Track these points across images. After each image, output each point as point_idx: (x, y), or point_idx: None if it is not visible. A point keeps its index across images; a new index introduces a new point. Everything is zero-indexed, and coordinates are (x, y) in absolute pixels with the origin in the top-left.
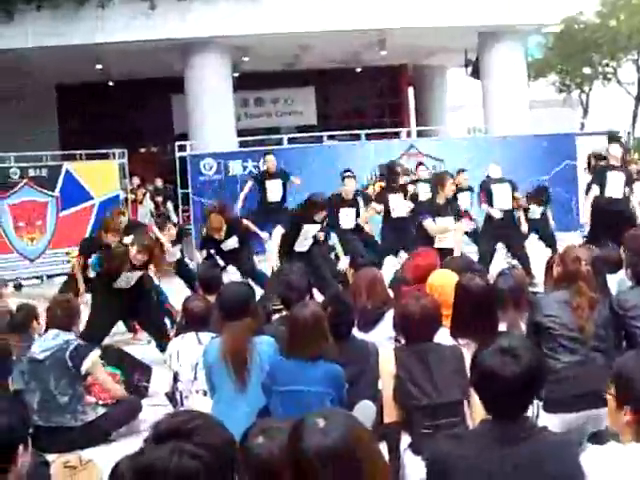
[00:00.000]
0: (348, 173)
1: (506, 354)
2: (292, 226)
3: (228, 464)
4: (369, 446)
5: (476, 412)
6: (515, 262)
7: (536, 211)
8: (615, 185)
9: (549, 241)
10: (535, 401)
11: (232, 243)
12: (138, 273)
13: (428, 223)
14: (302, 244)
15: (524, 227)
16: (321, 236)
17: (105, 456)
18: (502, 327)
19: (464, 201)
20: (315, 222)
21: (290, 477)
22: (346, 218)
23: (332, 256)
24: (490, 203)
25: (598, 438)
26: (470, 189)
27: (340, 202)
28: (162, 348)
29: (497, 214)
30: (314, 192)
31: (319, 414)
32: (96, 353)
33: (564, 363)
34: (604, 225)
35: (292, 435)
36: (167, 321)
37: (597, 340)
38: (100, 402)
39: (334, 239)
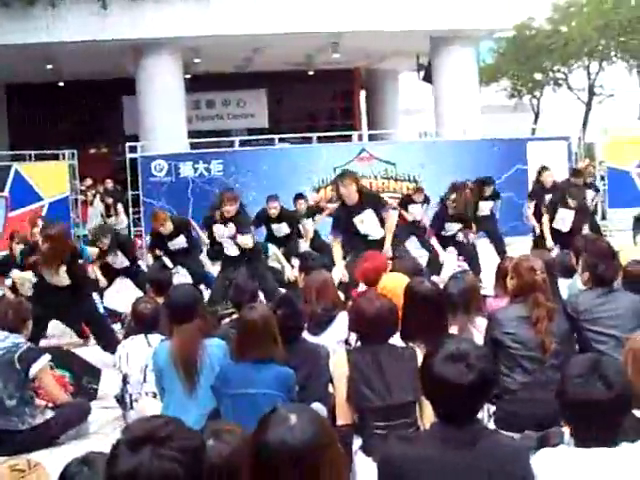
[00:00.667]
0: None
1: (459, 361)
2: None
3: (201, 468)
4: (334, 446)
5: (427, 414)
6: (466, 266)
7: (485, 208)
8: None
9: (499, 246)
10: (486, 405)
11: (179, 242)
12: (63, 269)
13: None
14: (228, 248)
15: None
16: (246, 244)
17: (54, 459)
18: (453, 330)
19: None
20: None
21: (248, 473)
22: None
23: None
24: None
25: (546, 441)
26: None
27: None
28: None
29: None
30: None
31: (290, 409)
32: (46, 358)
33: (520, 384)
34: (554, 231)
35: (259, 429)
36: None
37: (556, 357)
38: (50, 405)
39: (272, 250)
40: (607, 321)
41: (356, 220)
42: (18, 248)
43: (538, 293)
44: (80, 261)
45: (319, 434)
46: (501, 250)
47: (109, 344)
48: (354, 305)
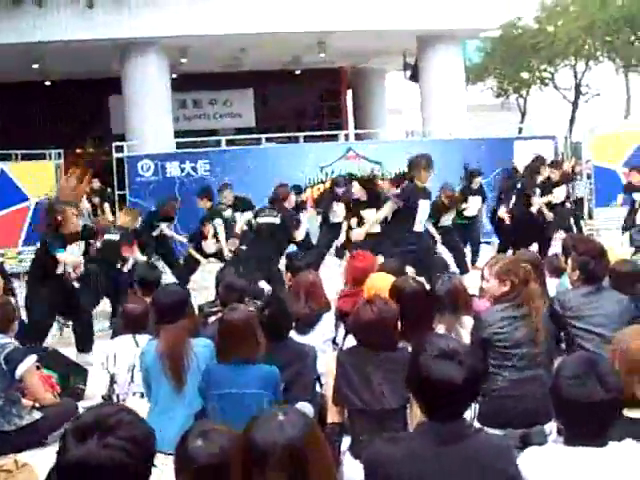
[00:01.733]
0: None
1: (451, 359)
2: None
3: (150, 456)
4: (323, 446)
5: (415, 417)
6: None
7: (474, 205)
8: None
9: (475, 246)
10: (473, 404)
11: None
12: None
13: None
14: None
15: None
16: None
17: (41, 459)
18: (440, 330)
19: None
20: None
21: (238, 473)
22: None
23: None
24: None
25: (529, 440)
26: None
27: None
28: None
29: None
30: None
31: (279, 409)
32: (32, 359)
33: (510, 381)
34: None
35: (249, 429)
36: None
37: (544, 355)
38: (37, 405)
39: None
40: (593, 319)
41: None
42: None
43: (526, 291)
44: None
45: (308, 434)
46: (477, 250)
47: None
48: (342, 312)
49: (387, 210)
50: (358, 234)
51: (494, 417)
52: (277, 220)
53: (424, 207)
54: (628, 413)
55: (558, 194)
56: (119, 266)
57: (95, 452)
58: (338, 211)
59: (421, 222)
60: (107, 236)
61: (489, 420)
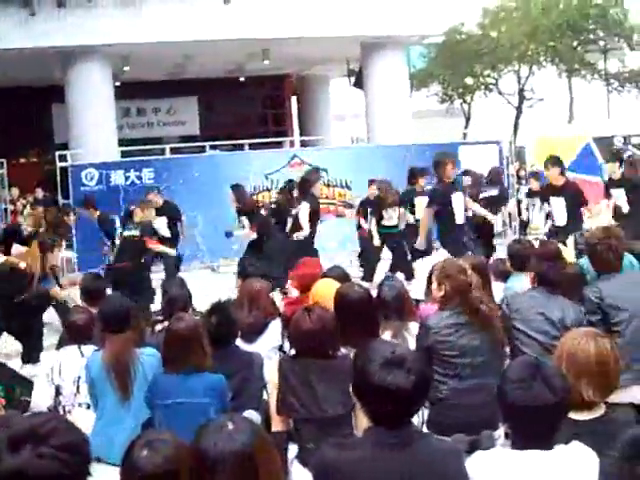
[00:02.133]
0: None
1: (399, 367)
2: None
3: (85, 464)
4: (271, 453)
5: (361, 424)
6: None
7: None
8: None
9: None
10: (420, 411)
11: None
12: None
13: None
14: None
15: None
16: None
17: None
18: (386, 336)
19: None
20: None
21: None
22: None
23: None
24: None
25: (478, 444)
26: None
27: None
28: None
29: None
30: None
31: (227, 418)
32: None
33: (455, 390)
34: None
35: (198, 439)
36: None
37: (490, 362)
38: None
39: None
40: (534, 324)
41: None
42: None
43: (469, 295)
44: None
45: (256, 442)
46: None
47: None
48: (292, 318)
49: (425, 219)
50: (420, 243)
51: (442, 425)
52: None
53: (457, 200)
54: (575, 416)
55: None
56: (142, 261)
57: (29, 462)
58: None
59: (460, 214)
60: (127, 232)
61: (437, 428)
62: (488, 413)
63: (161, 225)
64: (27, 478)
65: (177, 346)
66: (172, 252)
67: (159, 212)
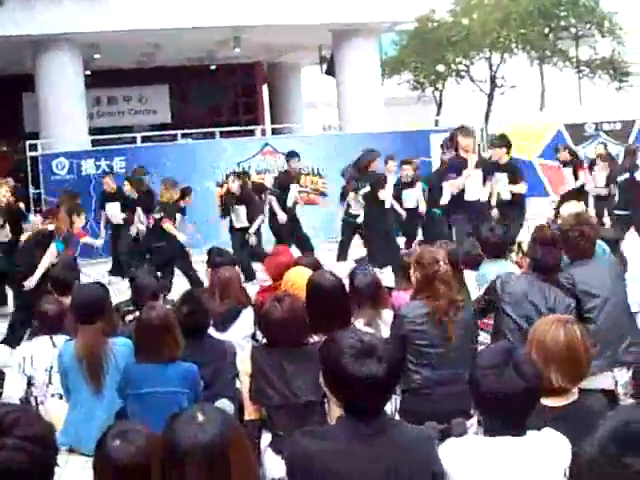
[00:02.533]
0: None
1: (369, 357)
2: None
3: (51, 454)
4: (243, 443)
5: (334, 412)
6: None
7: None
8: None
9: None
10: (394, 396)
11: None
12: None
13: None
14: None
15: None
16: None
17: None
18: (359, 324)
19: None
20: None
21: (159, 473)
22: None
23: None
24: None
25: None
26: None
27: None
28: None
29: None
30: None
31: (197, 408)
32: None
33: (427, 380)
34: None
35: (168, 429)
36: None
37: (461, 352)
38: None
39: None
40: (523, 311)
41: None
42: None
43: (439, 285)
44: None
45: (227, 431)
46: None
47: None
48: (262, 308)
49: (447, 192)
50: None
51: (416, 415)
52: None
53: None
54: (546, 402)
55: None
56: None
57: None
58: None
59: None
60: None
61: (411, 417)
62: (462, 403)
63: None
64: None
65: (149, 335)
66: (182, 237)
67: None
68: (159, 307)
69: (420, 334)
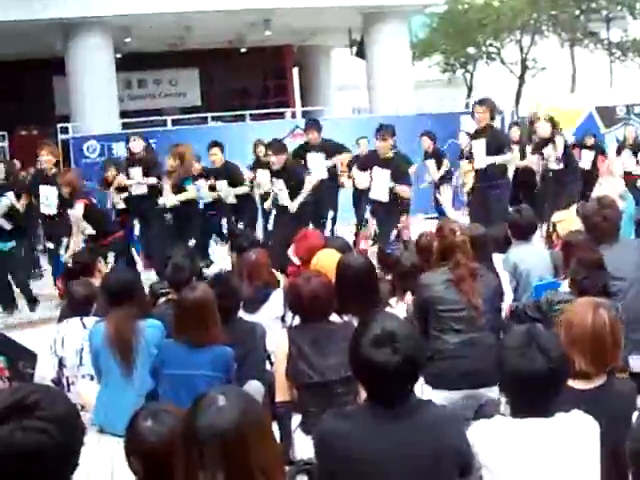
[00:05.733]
0: None
1: (384, 345)
2: None
3: (76, 435)
4: (264, 428)
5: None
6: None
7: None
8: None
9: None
10: (420, 380)
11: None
12: None
13: None
14: None
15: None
16: None
17: None
18: (393, 300)
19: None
20: None
21: (182, 456)
22: None
23: None
24: None
25: (482, 412)
26: None
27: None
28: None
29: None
30: None
31: (220, 391)
32: None
33: (451, 344)
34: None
35: (189, 413)
36: None
37: (484, 316)
38: None
39: None
40: None
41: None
42: None
43: (459, 254)
44: None
45: (247, 415)
46: None
47: None
48: (290, 285)
49: None
50: None
51: (440, 379)
52: None
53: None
54: (575, 384)
55: None
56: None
57: (12, 435)
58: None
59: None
60: None
61: (436, 382)
62: (485, 366)
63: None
64: (9, 452)
65: (187, 316)
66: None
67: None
68: (200, 287)
69: (440, 299)
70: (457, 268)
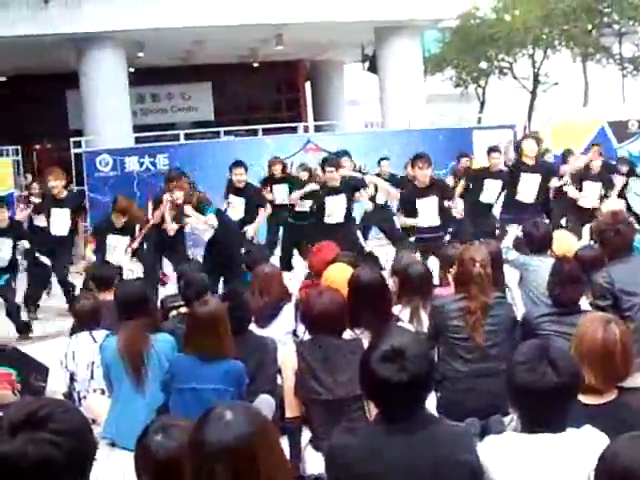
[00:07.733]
0: None
1: (393, 362)
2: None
3: (88, 448)
4: (272, 443)
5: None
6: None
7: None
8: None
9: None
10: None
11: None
12: None
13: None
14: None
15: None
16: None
17: None
18: (404, 314)
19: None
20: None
21: (190, 472)
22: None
23: None
24: None
25: (488, 429)
26: None
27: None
28: None
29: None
30: None
31: (227, 407)
32: None
33: (460, 373)
34: None
35: (196, 428)
36: None
37: (493, 348)
38: None
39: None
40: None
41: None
42: None
43: (473, 285)
44: None
45: (255, 431)
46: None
47: None
48: (303, 299)
49: None
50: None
51: (450, 409)
52: None
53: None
54: (585, 399)
55: None
56: None
57: (19, 449)
58: None
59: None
60: None
61: (446, 411)
62: (496, 399)
63: None
64: (21, 464)
65: (199, 330)
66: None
67: None
68: (212, 302)
69: (452, 327)
70: (470, 300)
